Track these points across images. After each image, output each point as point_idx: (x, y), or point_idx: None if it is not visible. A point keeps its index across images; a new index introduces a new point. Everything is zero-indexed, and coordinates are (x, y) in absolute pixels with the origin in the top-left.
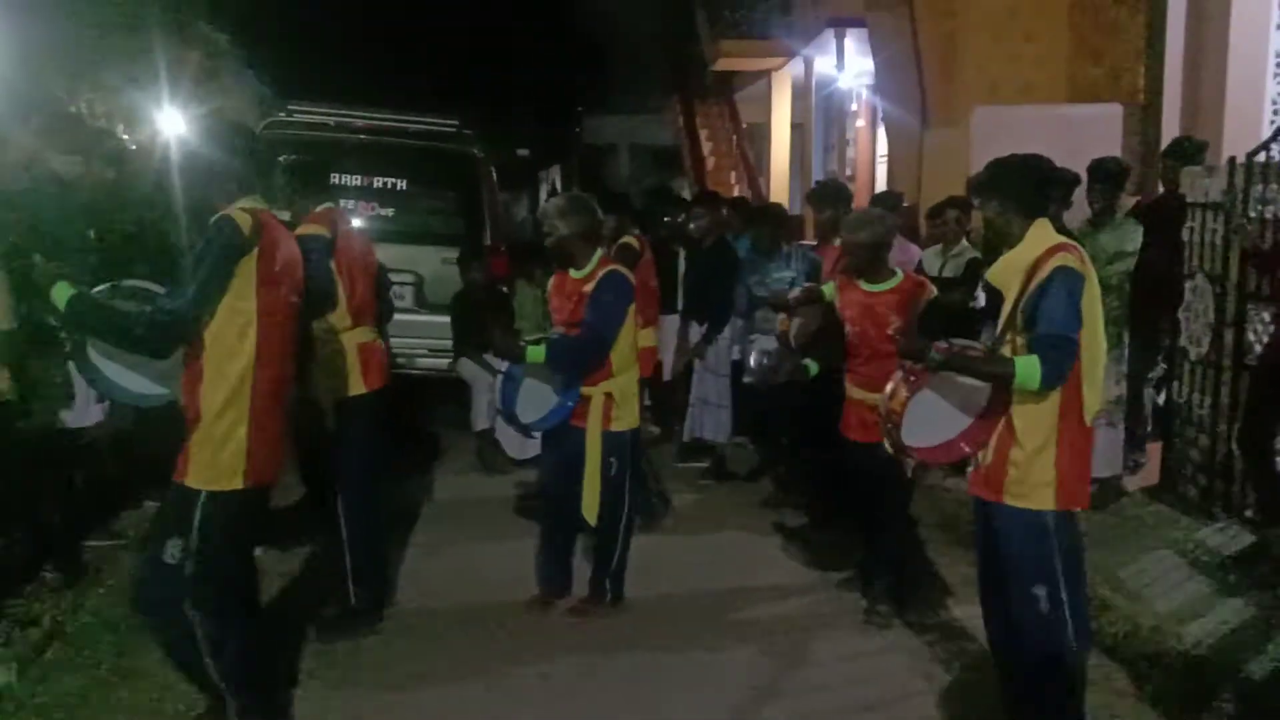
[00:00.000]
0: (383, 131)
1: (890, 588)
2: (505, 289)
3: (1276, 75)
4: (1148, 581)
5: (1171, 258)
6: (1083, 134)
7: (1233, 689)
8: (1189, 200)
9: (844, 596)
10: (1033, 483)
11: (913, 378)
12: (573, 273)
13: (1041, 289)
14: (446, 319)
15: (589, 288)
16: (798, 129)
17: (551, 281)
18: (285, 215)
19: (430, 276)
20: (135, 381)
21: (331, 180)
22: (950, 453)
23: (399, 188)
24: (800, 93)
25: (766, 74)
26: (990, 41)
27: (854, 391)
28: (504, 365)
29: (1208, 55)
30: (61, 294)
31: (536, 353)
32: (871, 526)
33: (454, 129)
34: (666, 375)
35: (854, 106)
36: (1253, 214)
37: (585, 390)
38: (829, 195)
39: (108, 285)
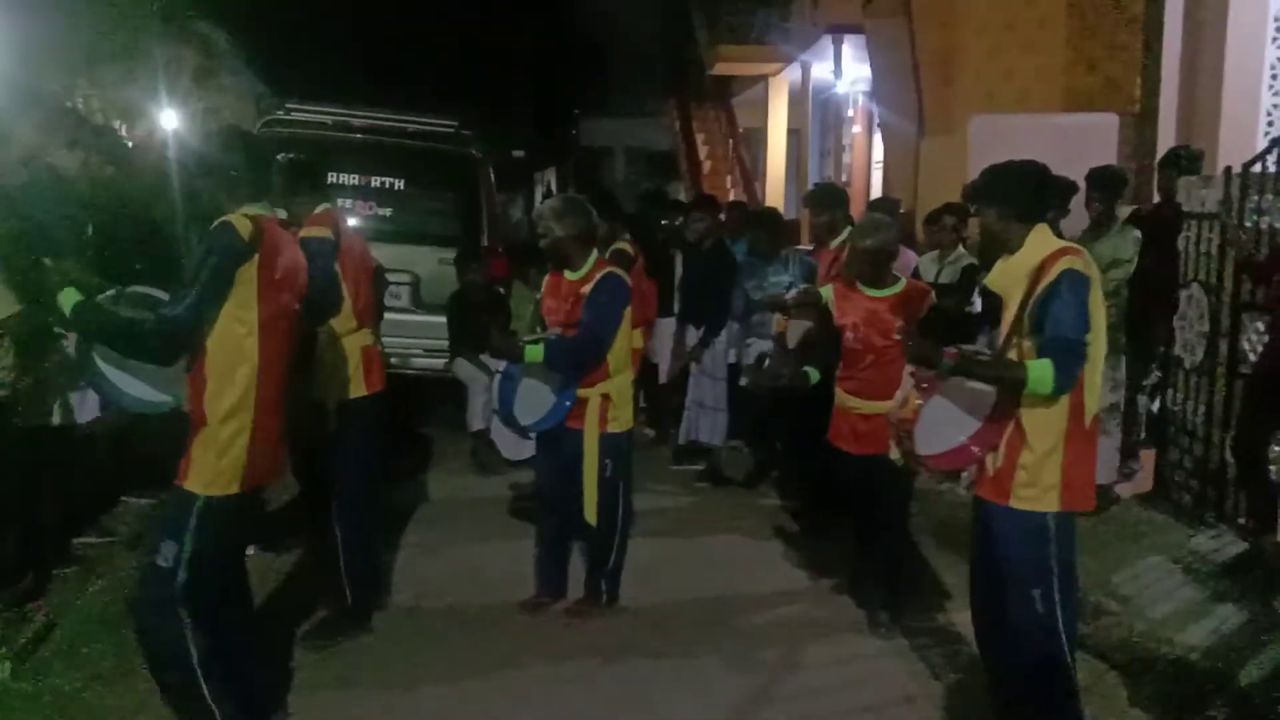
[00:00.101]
0: (381, 131)
1: (888, 595)
2: (502, 290)
3: (1271, 87)
4: (1141, 587)
5: (1167, 267)
6: (1079, 143)
7: (1225, 694)
8: (1185, 210)
9: (840, 600)
10: (1041, 485)
11: (925, 384)
12: (568, 274)
13: (1049, 293)
14: (443, 319)
15: (586, 289)
16: (794, 134)
17: (545, 282)
18: (281, 214)
19: (427, 277)
20: (140, 388)
21: (329, 179)
22: (960, 458)
23: (397, 187)
24: (797, 98)
25: (764, 79)
26: (987, 51)
27: (849, 400)
28: (501, 365)
29: (1203, 66)
30: (68, 299)
31: (535, 352)
32: (865, 534)
33: (453, 129)
34: (663, 378)
35: (850, 113)
36: (1248, 224)
37: (582, 392)
38: (826, 199)
39: (113, 291)
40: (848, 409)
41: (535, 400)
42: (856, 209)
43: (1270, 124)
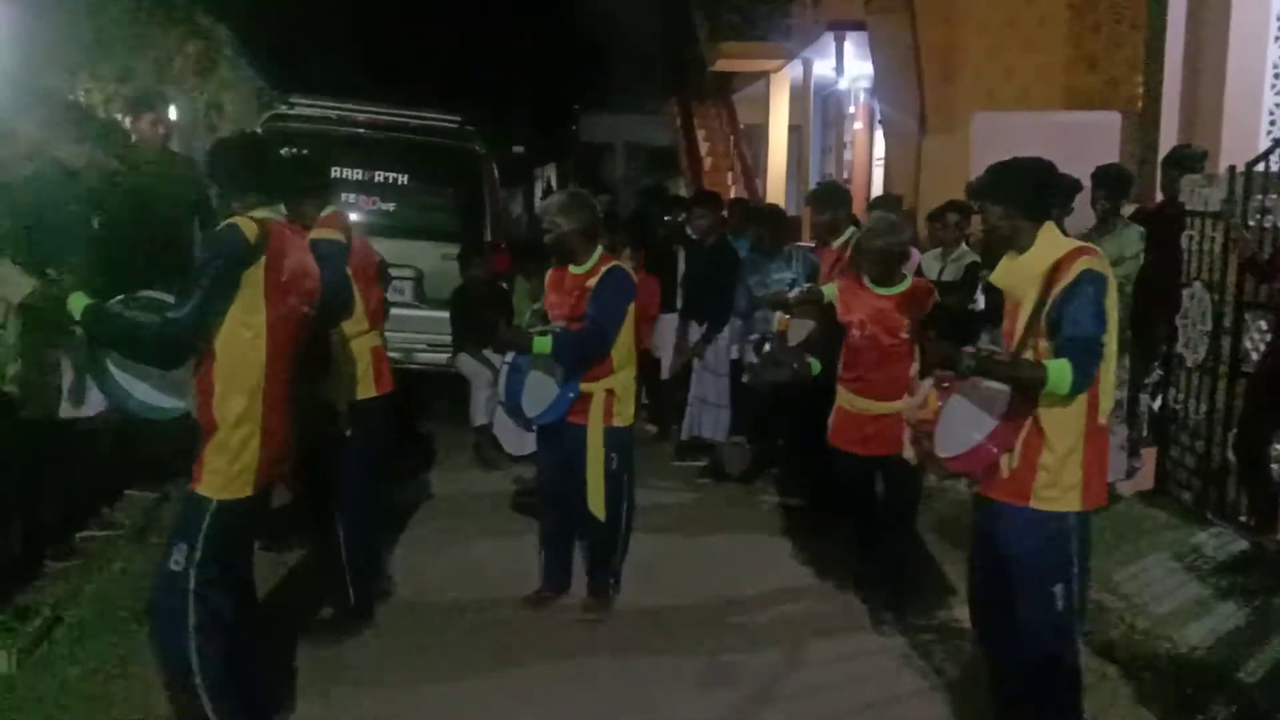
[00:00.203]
0: (385, 126)
1: (891, 593)
2: (505, 285)
3: (1274, 86)
4: (1142, 585)
5: (1170, 265)
6: (1081, 141)
7: (1226, 692)
8: (1188, 209)
9: (842, 597)
10: (1063, 485)
11: (945, 384)
12: (572, 269)
13: (1067, 293)
14: (446, 314)
15: (592, 283)
16: (795, 131)
17: (549, 277)
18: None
19: (430, 272)
20: (149, 393)
21: (333, 174)
22: (977, 457)
23: (400, 182)
24: (798, 95)
25: (765, 75)
26: (988, 48)
27: (857, 402)
28: (509, 358)
29: (1206, 65)
30: (77, 304)
31: (543, 344)
32: (868, 532)
33: (456, 125)
34: (665, 374)
35: (852, 109)
36: (1251, 223)
37: (587, 387)
38: (828, 198)
39: (122, 297)
40: (855, 410)
41: (541, 392)
42: (857, 206)
43: (1273, 123)
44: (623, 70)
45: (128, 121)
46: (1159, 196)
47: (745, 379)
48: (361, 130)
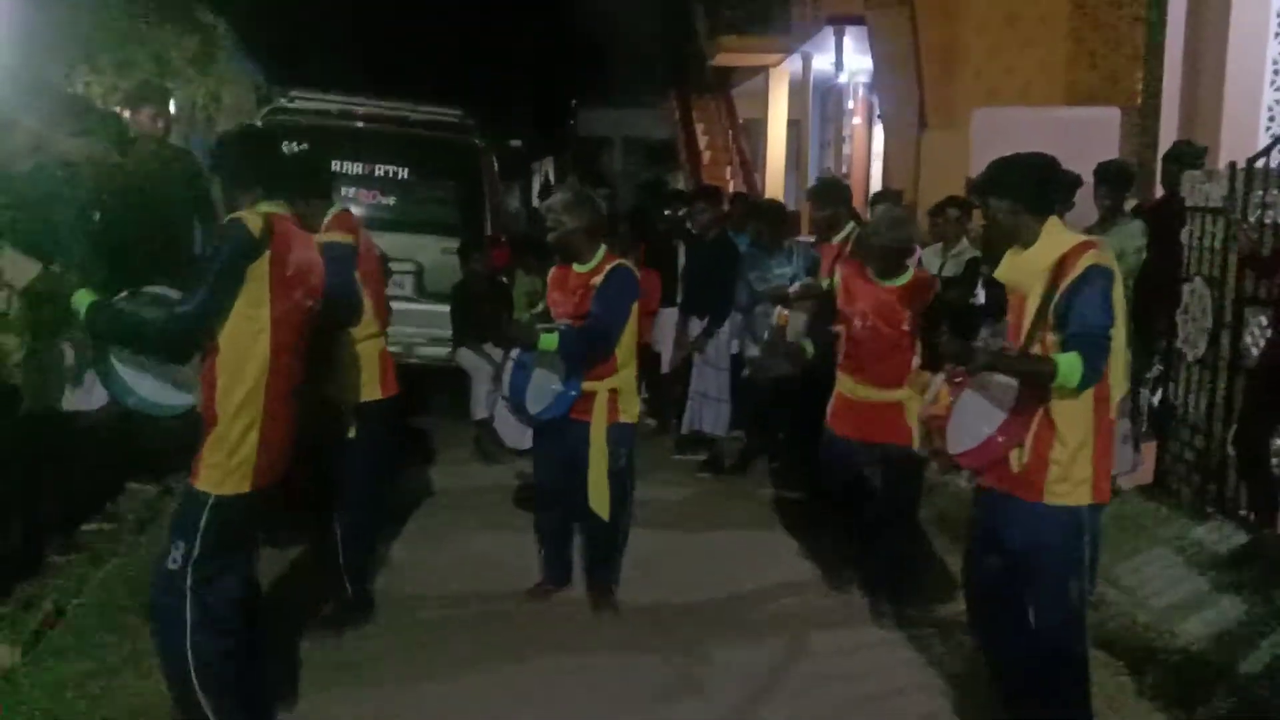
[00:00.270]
0: (385, 120)
1: (892, 586)
2: (505, 279)
3: (1273, 83)
4: (1143, 579)
5: (1169, 261)
6: (1081, 137)
7: (1226, 685)
8: (1189, 204)
9: (842, 591)
10: (1074, 480)
11: (957, 380)
12: (576, 267)
13: (1075, 287)
14: (446, 308)
15: (597, 280)
16: (794, 125)
17: (552, 275)
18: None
19: (430, 266)
20: (154, 389)
21: (333, 169)
22: (987, 451)
23: (400, 176)
24: (797, 89)
25: (764, 70)
26: (989, 44)
27: (855, 390)
28: (514, 354)
29: (1206, 61)
30: (82, 301)
31: (549, 340)
32: (868, 524)
33: (456, 119)
34: (665, 368)
35: (851, 104)
36: (1252, 219)
37: (590, 386)
38: (828, 194)
39: (126, 293)
40: (855, 398)
41: (544, 389)
42: (856, 201)
43: (1272, 119)
44: (621, 64)
45: (126, 115)
46: (1159, 192)
47: (746, 373)
48: (362, 124)
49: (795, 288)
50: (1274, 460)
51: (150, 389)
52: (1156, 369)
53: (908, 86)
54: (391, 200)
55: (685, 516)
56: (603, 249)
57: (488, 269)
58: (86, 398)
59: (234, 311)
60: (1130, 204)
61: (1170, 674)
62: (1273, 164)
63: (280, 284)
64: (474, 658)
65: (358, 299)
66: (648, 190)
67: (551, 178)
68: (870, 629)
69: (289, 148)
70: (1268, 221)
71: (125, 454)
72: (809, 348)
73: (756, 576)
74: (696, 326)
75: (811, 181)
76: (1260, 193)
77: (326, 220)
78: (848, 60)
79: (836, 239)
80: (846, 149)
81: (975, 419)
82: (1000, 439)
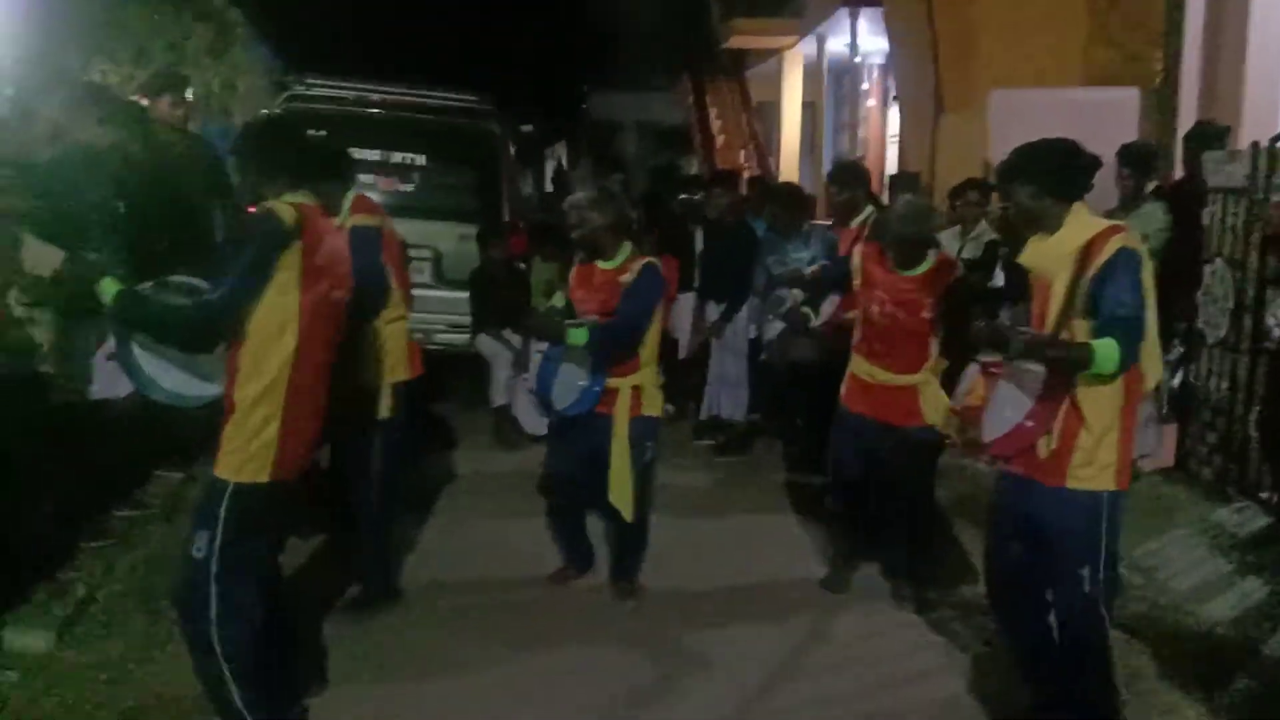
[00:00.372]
0: (403, 106)
1: (913, 568)
2: (523, 265)
3: None
4: (1164, 561)
5: (1191, 241)
6: (1099, 118)
7: (1249, 667)
8: (1210, 185)
9: (859, 574)
10: (1098, 465)
11: (992, 370)
12: (601, 264)
13: (1105, 272)
14: (464, 295)
15: (626, 278)
16: (809, 108)
17: (575, 272)
18: None
19: (449, 252)
20: (179, 380)
21: (351, 155)
22: (1019, 437)
23: (418, 163)
24: (812, 71)
25: (778, 52)
26: (1006, 25)
27: (874, 373)
28: (543, 347)
29: (1226, 40)
30: (109, 289)
31: (578, 335)
32: (885, 506)
33: (473, 104)
34: (683, 353)
35: (866, 86)
36: (1274, 199)
37: (613, 382)
38: (847, 177)
39: (153, 282)
40: (872, 381)
41: (570, 385)
42: (873, 183)
43: None
44: (634, 48)
45: (145, 103)
46: (1178, 173)
47: (764, 357)
48: (378, 110)
49: (812, 271)
50: None
51: (175, 381)
52: (1177, 351)
53: (924, 68)
54: (409, 186)
55: (703, 502)
56: (628, 245)
57: (506, 255)
58: (113, 386)
59: (263, 301)
60: (1150, 185)
61: (1192, 656)
62: None
63: (310, 274)
64: (493, 648)
65: (386, 282)
66: (661, 175)
67: (564, 163)
68: (890, 612)
69: (311, 140)
70: None
71: (152, 442)
72: (811, 315)
73: (775, 560)
74: (714, 311)
75: (827, 165)
76: None
77: (346, 205)
78: (863, 42)
79: (855, 222)
80: (862, 132)
81: (1007, 406)
82: (1030, 424)
